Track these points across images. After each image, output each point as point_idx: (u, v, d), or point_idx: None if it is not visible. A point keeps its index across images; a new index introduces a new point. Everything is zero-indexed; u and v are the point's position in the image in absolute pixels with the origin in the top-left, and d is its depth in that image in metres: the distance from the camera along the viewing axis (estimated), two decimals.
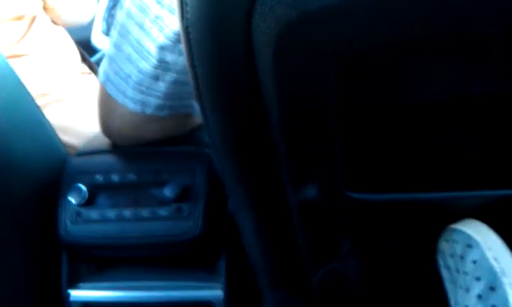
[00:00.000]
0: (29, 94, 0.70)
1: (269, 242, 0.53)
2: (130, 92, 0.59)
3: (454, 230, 0.47)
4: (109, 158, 0.68)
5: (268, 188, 0.48)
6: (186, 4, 0.35)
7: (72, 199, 0.65)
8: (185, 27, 0.36)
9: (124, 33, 0.56)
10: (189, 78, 0.42)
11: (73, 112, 0.78)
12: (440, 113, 0.41)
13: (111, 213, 0.65)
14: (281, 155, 0.43)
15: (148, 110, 0.60)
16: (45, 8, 0.92)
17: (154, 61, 0.55)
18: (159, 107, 0.60)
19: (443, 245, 0.48)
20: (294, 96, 0.38)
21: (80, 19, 0.99)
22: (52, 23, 0.94)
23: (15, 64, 0.71)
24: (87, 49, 1.16)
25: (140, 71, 0.57)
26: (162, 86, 0.57)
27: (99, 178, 0.66)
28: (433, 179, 0.44)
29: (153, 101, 0.59)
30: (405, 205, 0.46)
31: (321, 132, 0.40)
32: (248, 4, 0.33)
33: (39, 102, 0.72)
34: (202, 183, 0.63)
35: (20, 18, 0.87)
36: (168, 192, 0.63)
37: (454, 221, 0.46)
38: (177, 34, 0.53)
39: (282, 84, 0.37)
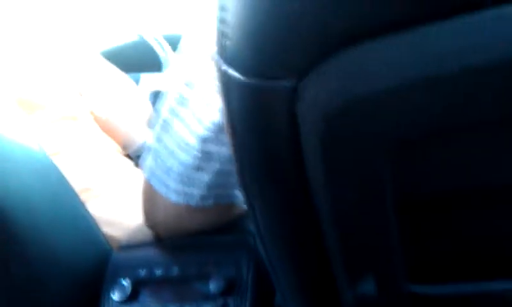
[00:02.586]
0: (71, 189, 0.71)
1: None
2: (172, 184, 0.59)
3: None
4: (153, 252, 0.67)
5: (319, 282, 0.45)
6: (229, 95, 0.34)
7: (114, 296, 0.63)
8: (229, 118, 0.35)
9: (165, 126, 0.57)
10: (233, 167, 0.40)
11: (117, 205, 0.78)
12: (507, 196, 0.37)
13: None
14: (333, 246, 0.40)
15: (192, 202, 0.59)
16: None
17: (195, 152, 0.55)
18: (203, 198, 0.59)
19: None
20: (345, 185, 0.35)
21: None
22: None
23: (58, 161, 0.72)
24: None
25: (181, 163, 0.57)
26: (205, 176, 0.57)
27: (142, 272, 0.64)
28: (501, 268, 0.40)
29: (197, 192, 0.59)
30: (471, 298, 0.42)
31: (378, 222, 0.37)
32: (291, 92, 0.31)
33: (82, 197, 0.73)
34: (248, 275, 0.61)
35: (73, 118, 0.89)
36: (212, 286, 0.60)
37: None
38: (217, 125, 0.53)
39: (332, 172, 0.35)
